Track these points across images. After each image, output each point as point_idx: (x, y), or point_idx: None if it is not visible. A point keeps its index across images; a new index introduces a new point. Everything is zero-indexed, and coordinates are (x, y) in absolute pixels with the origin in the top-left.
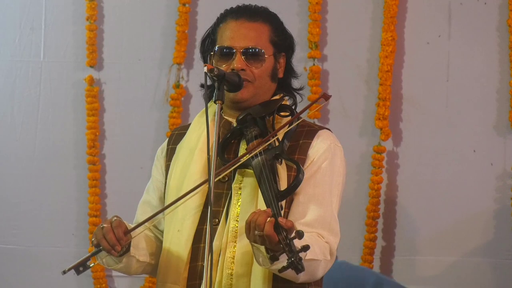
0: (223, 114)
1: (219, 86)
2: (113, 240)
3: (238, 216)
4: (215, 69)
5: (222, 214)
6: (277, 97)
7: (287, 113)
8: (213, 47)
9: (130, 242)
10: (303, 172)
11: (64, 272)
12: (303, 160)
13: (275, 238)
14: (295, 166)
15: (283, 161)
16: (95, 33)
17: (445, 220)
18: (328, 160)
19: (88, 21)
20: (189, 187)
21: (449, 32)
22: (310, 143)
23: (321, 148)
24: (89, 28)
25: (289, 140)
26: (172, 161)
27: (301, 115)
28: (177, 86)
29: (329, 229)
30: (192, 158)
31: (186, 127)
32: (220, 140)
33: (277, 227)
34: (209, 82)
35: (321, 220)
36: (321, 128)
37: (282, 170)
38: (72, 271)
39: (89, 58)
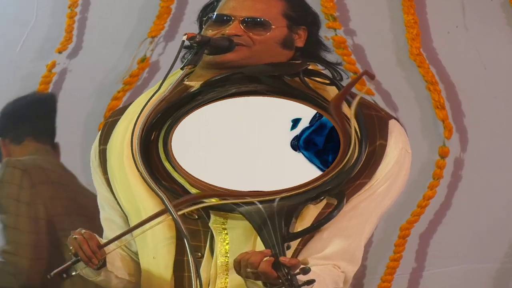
0: (186, 80)
1: (198, 51)
2: (88, 251)
3: (227, 252)
4: (197, 36)
5: (204, 249)
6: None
7: (326, 81)
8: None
9: (105, 258)
10: (342, 208)
11: (50, 277)
12: (362, 185)
13: (273, 274)
14: (336, 203)
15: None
16: (73, 20)
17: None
18: (389, 181)
19: (69, 9)
20: (148, 213)
21: None
22: (385, 147)
23: (391, 161)
24: (69, 16)
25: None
26: (108, 173)
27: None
28: (142, 60)
29: (350, 260)
30: (125, 174)
31: (123, 110)
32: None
33: (277, 264)
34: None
35: (343, 253)
36: (389, 116)
37: (313, 209)
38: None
39: (61, 45)
